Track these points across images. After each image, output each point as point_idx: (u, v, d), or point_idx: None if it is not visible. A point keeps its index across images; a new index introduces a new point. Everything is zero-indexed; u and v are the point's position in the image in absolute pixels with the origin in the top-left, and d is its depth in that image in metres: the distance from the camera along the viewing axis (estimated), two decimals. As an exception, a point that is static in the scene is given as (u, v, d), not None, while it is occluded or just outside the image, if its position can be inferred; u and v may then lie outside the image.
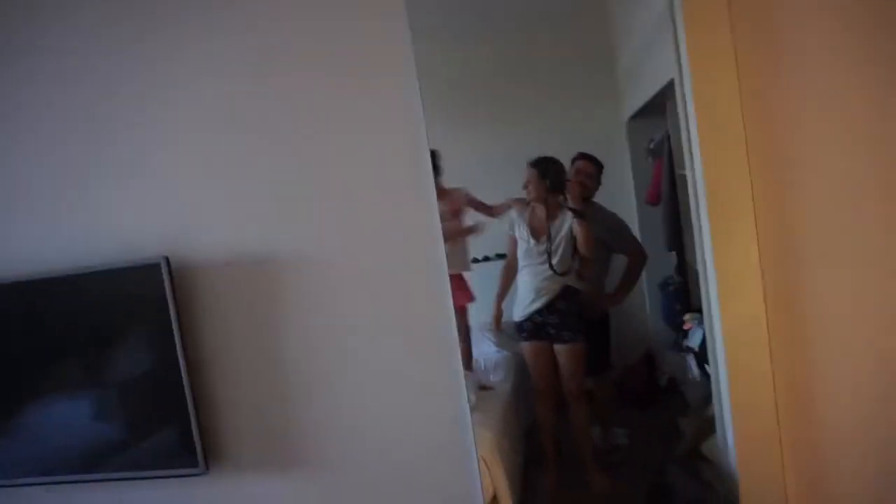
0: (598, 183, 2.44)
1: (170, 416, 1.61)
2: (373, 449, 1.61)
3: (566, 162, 2.40)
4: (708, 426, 1.99)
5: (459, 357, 1.54)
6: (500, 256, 2.58)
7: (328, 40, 1.51)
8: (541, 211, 2.35)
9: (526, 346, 2.35)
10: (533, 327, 2.31)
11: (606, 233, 2.38)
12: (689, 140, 1.75)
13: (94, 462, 1.65)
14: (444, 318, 1.55)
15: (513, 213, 2.42)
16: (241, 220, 1.61)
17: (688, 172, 1.82)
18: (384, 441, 1.61)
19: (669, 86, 1.92)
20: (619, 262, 2.67)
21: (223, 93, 1.58)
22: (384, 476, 1.62)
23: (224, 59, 1.57)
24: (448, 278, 1.53)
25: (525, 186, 2.37)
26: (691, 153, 1.70)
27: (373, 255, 1.57)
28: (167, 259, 1.55)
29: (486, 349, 2.97)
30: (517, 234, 2.38)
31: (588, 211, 2.37)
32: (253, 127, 1.57)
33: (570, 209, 2.31)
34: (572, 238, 2.32)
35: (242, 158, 1.59)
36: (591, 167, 2.42)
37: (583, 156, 2.43)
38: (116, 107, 1.61)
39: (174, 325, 1.56)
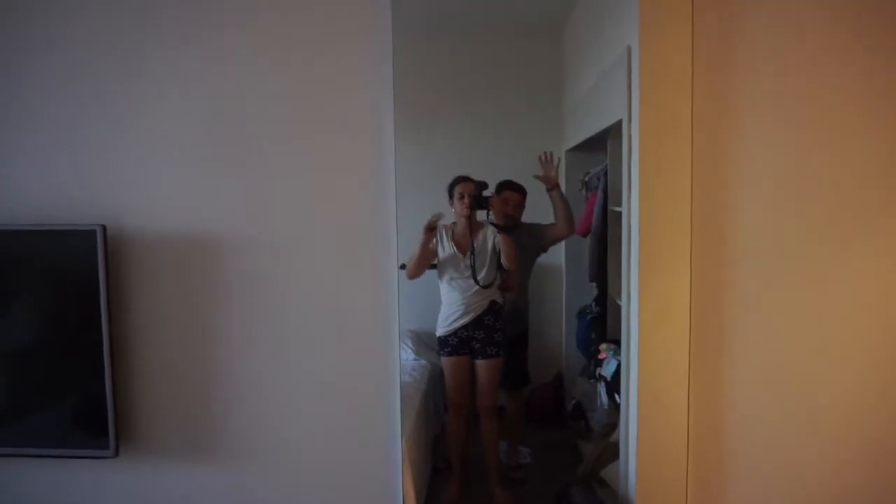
0: (523, 207, 2.53)
1: (83, 392, 1.52)
2: (297, 444, 1.59)
3: (491, 186, 2.48)
4: (610, 453, 2.09)
5: (397, 360, 1.55)
6: (431, 268, 2.62)
7: (301, 22, 1.49)
8: (464, 227, 2.40)
9: (447, 361, 2.38)
10: (458, 342, 2.34)
11: (530, 239, 2.46)
12: (628, 179, 1.83)
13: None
14: (387, 317, 1.55)
15: (439, 226, 2.46)
16: (187, 198, 1.55)
17: (623, 209, 1.91)
18: (309, 436, 1.58)
19: (615, 124, 2.01)
20: (540, 273, 2.78)
21: (182, 66, 1.52)
22: (305, 472, 1.59)
23: (184, 32, 1.51)
24: (397, 276, 1.53)
25: (461, 198, 2.41)
26: (630, 192, 1.79)
27: (321, 246, 1.55)
28: (104, 227, 1.47)
29: (403, 356, 2.98)
30: (442, 247, 2.42)
31: (517, 229, 2.45)
32: (212, 104, 1.52)
33: (494, 224, 2.38)
34: (496, 253, 2.39)
35: (196, 134, 1.53)
36: (518, 196, 2.51)
37: (509, 185, 2.50)
38: (87, 76, 1.52)
39: (101, 297, 1.47)
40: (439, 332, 2.38)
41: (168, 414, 1.60)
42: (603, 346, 2.35)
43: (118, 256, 1.56)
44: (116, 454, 1.52)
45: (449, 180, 2.52)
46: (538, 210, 2.73)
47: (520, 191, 2.53)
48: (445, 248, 2.41)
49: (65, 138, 1.55)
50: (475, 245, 2.40)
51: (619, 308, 1.97)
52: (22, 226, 1.50)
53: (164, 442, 1.60)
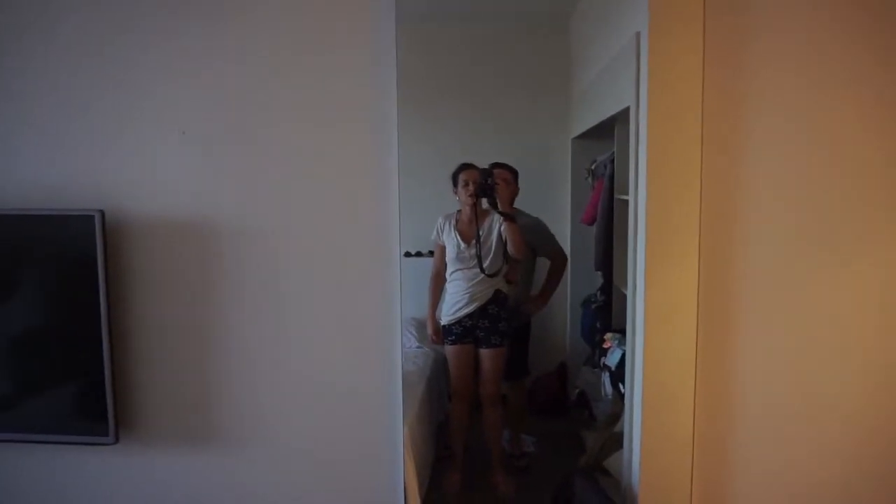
0: (517, 188, 2.52)
1: (83, 378, 1.51)
2: (298, 431, 1.58)
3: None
4: (613, 442, 2.08)
5: (400, 348, 1.53)
6: (432, 254, 2.60)
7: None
8: (469, 215, 2.38)
9: (451, 349, 2.37)
10: (462, 331, 2.33)
11: (530, 235, 2.45)
12: (636, 167, 1.80)
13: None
14: (390, 304, 1.53)
15: (440, 221, 2.44)
16: (188, 184, 1.53)
17: (630, 198, 1.88)
18: (310, 423, 1.57)
19: (622, 112, 1.98)
20: (543, 266, 2.76)
21: (183, 52, 1.50)
22: (306, 459, 1.59)
23: (184, 19, 1.49)
24: (398, 267, 1.51)
25: (465, 186, 2.39)
26: (637, 180, 1.76)
27: (323, 233, 1.53)
28: (102, 213, 1.46)
29: (406, 343, 2.98)
30: (445, 240, 2.40)
31: (520, 218, 2.43)
32: (215, 92, 1.50)
33: (500, 212, 2.35)
34: (502, 241, 2.36)
35: (198, 121, 1.51)
36: (508, 174, 2.50)
37: (499, 164, 2.50)
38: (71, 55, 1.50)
39: (100, 283, 1.46)
40: (444, 320, 2.37)
41: (169, 400, 1.59)
42: (608, 336, 2.33)
43: (118, 242, 1.54)
44: (116, 440, 1.51)
45: (453, 168, 2.50)
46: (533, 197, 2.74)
47: (510, 170, 2.51)
48: (450, 239, 2.39)
49: (65, 123, 1.53)
50: (480, 233, 2.38)
51: (624, 297, 1.95)
52: (20, 210, 1.49)
53: (164, 429, 1.59)
